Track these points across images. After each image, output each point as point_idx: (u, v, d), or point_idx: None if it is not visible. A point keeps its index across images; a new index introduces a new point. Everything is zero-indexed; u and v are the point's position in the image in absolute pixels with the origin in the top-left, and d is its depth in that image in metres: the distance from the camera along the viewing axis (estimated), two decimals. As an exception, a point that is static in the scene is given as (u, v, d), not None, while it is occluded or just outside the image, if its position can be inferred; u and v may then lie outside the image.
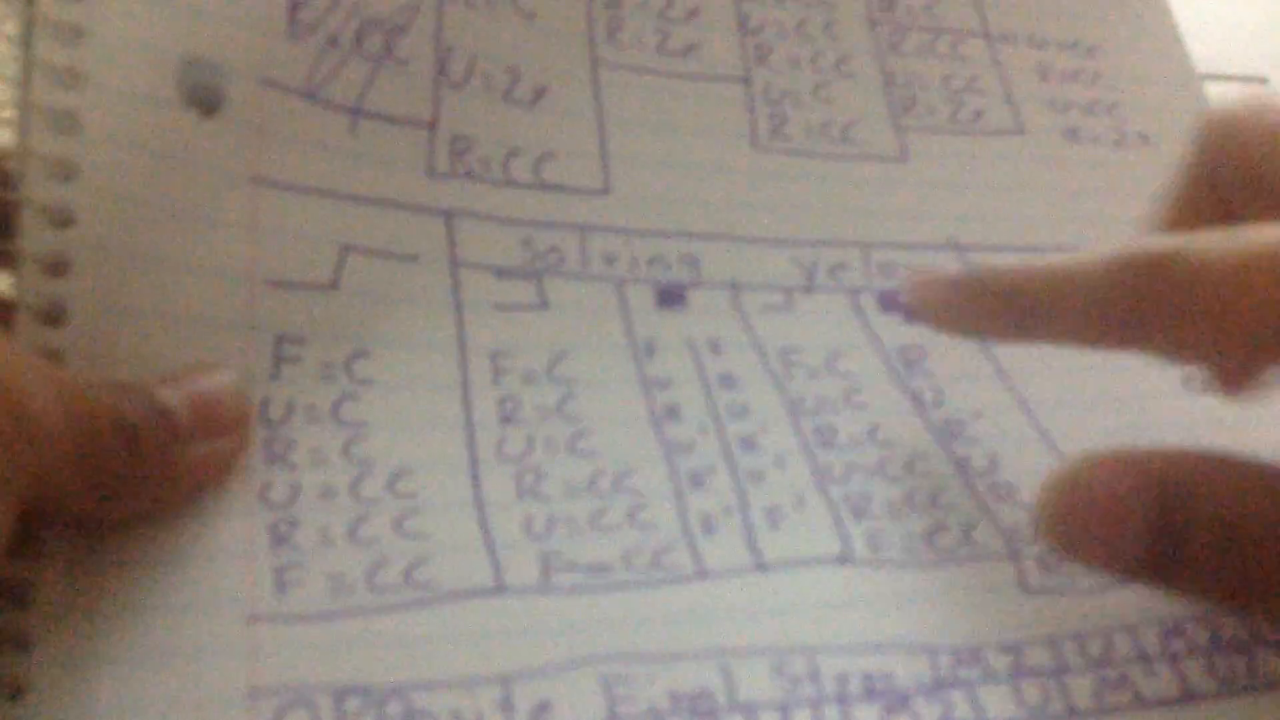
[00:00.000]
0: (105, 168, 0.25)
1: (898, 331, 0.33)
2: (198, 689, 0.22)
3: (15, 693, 0.21)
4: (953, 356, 0.32)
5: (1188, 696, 0.26)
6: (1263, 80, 0.49)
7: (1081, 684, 0.26)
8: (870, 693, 0.25)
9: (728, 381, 0.30)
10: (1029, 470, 0.30)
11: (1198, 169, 0.30)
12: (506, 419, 0.28)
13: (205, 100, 0.26)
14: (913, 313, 0.32)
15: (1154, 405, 0.32)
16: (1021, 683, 0.26)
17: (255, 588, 0.23)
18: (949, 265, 0.34)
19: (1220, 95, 0.42)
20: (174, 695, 0.22)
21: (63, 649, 0.22)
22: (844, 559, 0.27)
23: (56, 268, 0.24)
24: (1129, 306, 0.26)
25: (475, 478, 0.26)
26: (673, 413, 0.29)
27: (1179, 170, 0.31)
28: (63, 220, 0.24)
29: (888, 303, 0.33)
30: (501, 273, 0.30)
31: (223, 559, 0.24)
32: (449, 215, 0.30)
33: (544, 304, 0.30)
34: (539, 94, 0.32)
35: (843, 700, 0.24)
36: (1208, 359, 0.28)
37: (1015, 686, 0.25)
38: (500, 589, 0.25)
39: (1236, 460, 0.25)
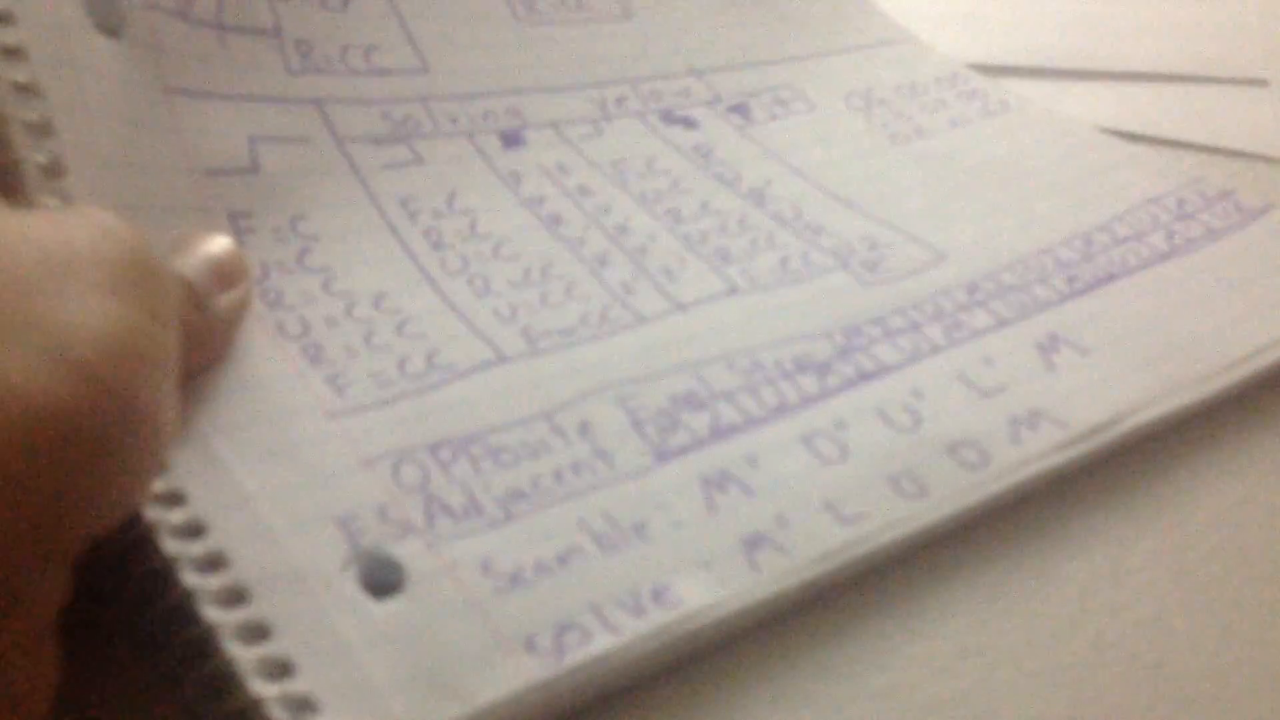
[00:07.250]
0: (57, 88, 0.27)
1: (685, 137, 0.39)
2: (319, 471, 0.25)
3: (178, 502, 0.24)
4: (731, 147, 0.39)
5: (1000, 325, 0.34)
6: (1263, 82, 0.50)
7: (934, 329, 0.33)
8: (801, 367, 0.31)
9: (584, 191, 0.35)
10: (822, 210, 0.37)
11: None
12: (436, 245, 0.32)
13: (108, 24, 0.29)
14: None
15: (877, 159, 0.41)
16: (895, 339, 0.33)
17: (319, 395, 0.27)
18: (698, 91, 0.41)
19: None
20: (298, 479, 0.25)
21: (203, 459, 0.24)
22: (732, 291, 0.33)
23: (50, 171, 0.26)
24: None
25: (439, 290, 0.31)
26: (557, 219, 0.34)
27: None
28: (44, 132, 0.26)
29: (668, 118, 0.40)
30: (378, 140, 0.34)
31: (283, 380, 0.27)
32: (319, 103, 0.34)
33: (420, 159, 0.34)
34: (345, 1, 0.36)
35: (785, 375, 0.31)
36: None
37: (892, 343, 0.32)
38: (503, 359, 0.29)
39: None
